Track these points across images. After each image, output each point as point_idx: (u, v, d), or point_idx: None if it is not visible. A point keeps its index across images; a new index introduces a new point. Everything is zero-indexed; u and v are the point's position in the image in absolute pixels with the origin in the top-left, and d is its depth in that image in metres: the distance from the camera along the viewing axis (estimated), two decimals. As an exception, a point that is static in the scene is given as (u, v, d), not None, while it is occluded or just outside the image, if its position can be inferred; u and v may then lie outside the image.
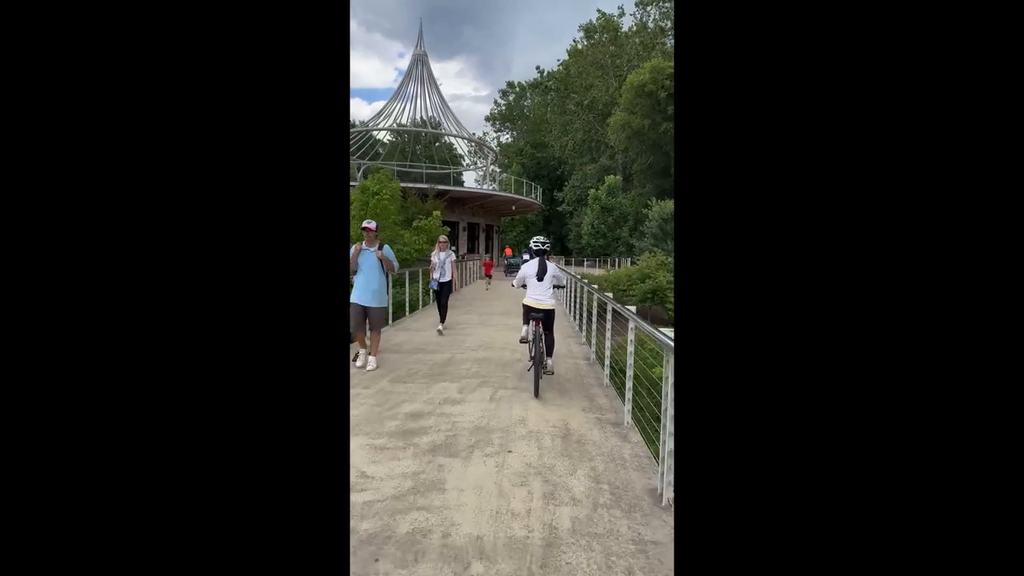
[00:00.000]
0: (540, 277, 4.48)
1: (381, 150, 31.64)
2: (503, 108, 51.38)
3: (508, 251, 27.27)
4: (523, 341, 4.78)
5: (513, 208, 28.12)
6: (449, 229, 17.48)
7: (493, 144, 42.84)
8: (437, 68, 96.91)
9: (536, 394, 4.18)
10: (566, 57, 42.94)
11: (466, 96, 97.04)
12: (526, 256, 23.73)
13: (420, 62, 30.44)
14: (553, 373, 4.63)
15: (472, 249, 27.25)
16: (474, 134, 33.93)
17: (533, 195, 29.14)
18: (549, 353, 4.47)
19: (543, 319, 4.35)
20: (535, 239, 4.67)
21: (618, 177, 33.94)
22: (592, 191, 33.75)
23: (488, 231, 30.08)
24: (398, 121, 29.97)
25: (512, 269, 23.97)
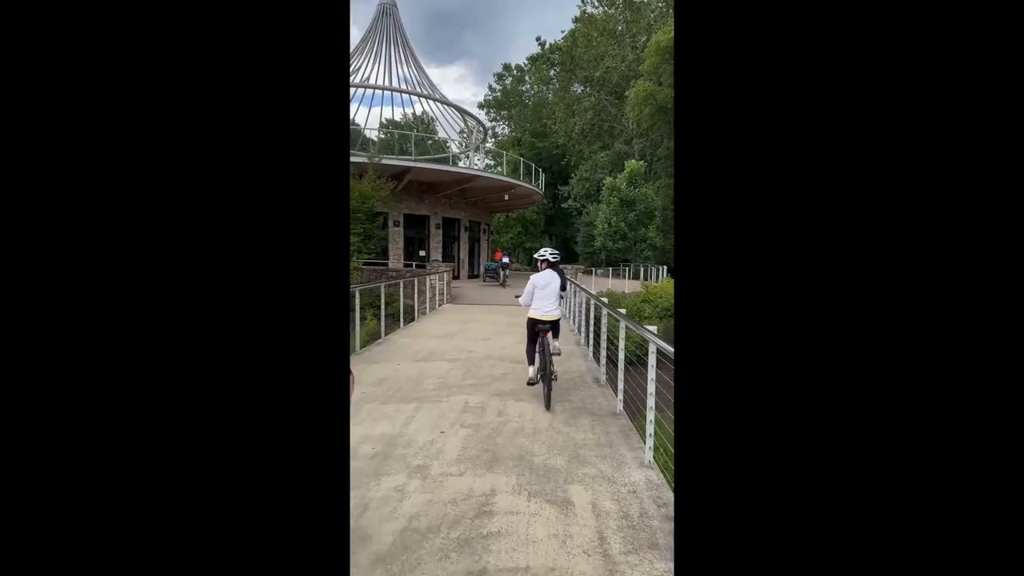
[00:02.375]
0: (563, 288, 4.47)
1: (372, 148, 24.62)
2: (498, 94, 44.38)
3: (499, 254, 19.46)
4: (532, 383, 4.42)
5: (506, 198, 20.83)
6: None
7: (487, 136, 35.63)
8: (436, 73, 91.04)
9: (548, 407, 4.10)
10: (571, 27, 36.05)
11: (466, 101, 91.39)
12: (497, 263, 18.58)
13: (387, 14, 23.54)
14: (559, 353, 4.64)
15: (448, 256, 20.00)
16: (463, 131, 26.64)
17: (536, 183, 21.94)
18: (555, 335, 4.45)
19: (550, 328, 4.36)
20: (547, 251, 4.56)
21: (641, 163, 26.93)
22: (608, 179, 26.67)
23: (474, 230, 22.74)
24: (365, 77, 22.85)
25: (490, 273, 18.79)
